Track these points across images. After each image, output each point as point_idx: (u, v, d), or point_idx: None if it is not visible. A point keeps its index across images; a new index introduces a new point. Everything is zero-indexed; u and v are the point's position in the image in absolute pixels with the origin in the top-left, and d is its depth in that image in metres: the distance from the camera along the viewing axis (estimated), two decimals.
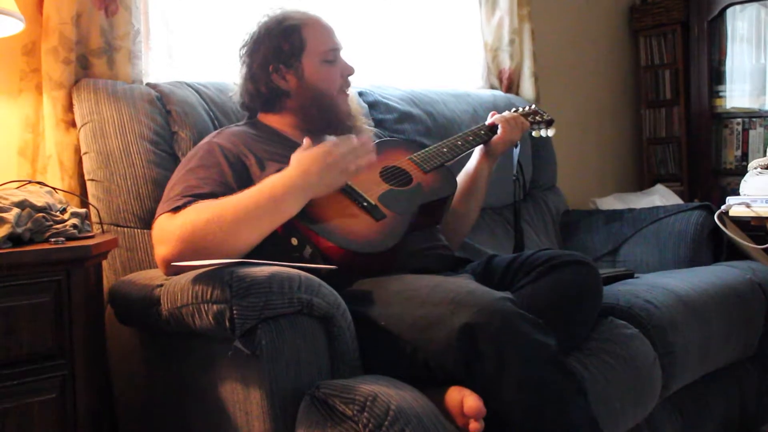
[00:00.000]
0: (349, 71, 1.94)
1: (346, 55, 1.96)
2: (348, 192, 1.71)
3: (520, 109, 2.27)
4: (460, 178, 2.12)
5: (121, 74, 2.07)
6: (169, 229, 1.56)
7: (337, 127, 1.91)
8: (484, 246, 2.52)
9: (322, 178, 1.60)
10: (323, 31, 1.92)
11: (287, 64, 1.87)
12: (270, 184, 1.57)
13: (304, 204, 1.59)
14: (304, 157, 1.62)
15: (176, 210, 1.59)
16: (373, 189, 1.76)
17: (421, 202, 1.80)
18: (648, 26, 3.89)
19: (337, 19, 2.02)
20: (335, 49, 1.92)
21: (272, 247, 1.57)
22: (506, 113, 2.17)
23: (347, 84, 1.96)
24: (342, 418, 1.26)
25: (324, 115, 1.89)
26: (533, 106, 2.32)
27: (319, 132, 1.90)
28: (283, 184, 1.57)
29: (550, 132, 2.28)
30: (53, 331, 1.45)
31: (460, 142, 2.02)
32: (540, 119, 2.26)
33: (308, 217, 1.60)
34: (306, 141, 1.68)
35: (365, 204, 1.70)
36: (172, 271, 1.53)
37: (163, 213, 1.61)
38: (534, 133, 2.28)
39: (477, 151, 2.13)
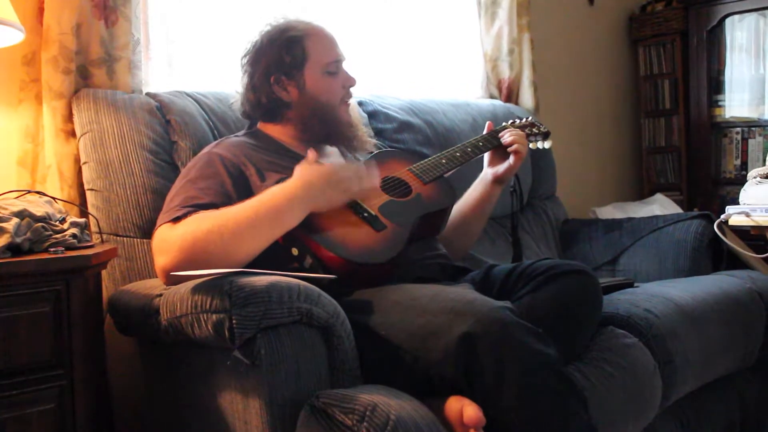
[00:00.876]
0: (351, 82, 1.94)
1: (347, 66, 1.95)
2: (349, 203, 1.71)
3: (517, 121, 2.26)
4: (469, 198, 2.11)
5: (120, 84, 2.07)
6: (169, 240, 1.56)
7: (338, 138, 1.91)
8: (484, 255, 2.52)
9: (325, 193, 1.61)
10: (326, 42, 1.92)
11: (289, 75, 1.87)
12: (271, 194, 1.58)
13: (304, 216, 1.59)
14: (308, 171, 1.63)
15: (176, 220, 1.59)
16: (374, 199, 1.76)
17: (420, 213, 1.80)
18: (647, 36, 3.90)
19: (338, 29, 2.02)
20: (337, 61, 1.92)
21: (272, 257, 1.57)
22: (508, 134, 2.08)
23: (348, 95, 1.95)
24: (341, 427, 1.25)
25: (324, 127, 1.89)
26: (530, 118, 2.32)
27: (320, 142, 1.90)
28: (285, 195, 1.57)
29: (547, 144, 2.26)
30: (52, 341, 1.45)
31: (458, 154, 2.02)
32: (537, 131, 2.25)
33: (309, 226, 1.60)
34: (310, 153, 1.69)
35: (366, 215, 1.70)
36: (173, 281, 1.52)
37: (164, 223, 1.61)
38: (531, 145, 2.26)
39: (488, 176, 2.09)
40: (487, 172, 2.09)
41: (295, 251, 1.60)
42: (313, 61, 1.88)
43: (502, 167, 2.06)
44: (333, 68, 1.90)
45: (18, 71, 2.00)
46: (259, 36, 1.90)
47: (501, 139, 2.07)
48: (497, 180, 2.07)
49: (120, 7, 2.05)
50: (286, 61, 1.86)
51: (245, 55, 1.91)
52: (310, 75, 1.87)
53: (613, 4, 3.91)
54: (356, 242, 1.64)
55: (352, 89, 1.96)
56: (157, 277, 1.62)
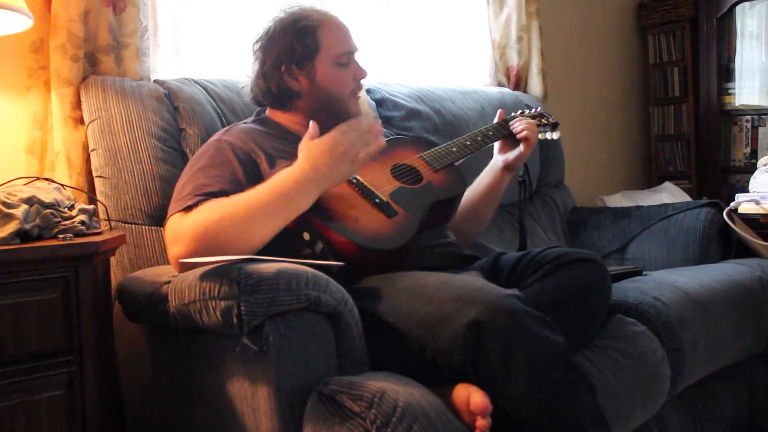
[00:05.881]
0: (362, 75, 1.92)
1: (359, 57, 1.94)
2: (360, 189, 1.71)
3: (527, 111, 2.26)
4: (479, 185, 2.11)
5: (129, 71, 2.07)
6: (181, 229, 1.56)
7: None
8: (492, 243, 2.51)
9: (333, 169, 1.58)
10: (339, 33, 1.90)
11: (299, 65, 1.85)
12: (281, 179, 1.57)
13: (316, 198, 1.58)
14: (312, 149, 1.59)
15: (188, 209, 1.59)
16: (385, 186, 1.76)
17: (432, 200, 1.80)
18: (656, 23, 3.88)
19: (346, 16, 2.00)
20: (349, 52, 1.90)
21: (284, 242, 1.57)
22: (519, 122, 2.09)
23: (359, 87, 1.94)
24: (350, 414, 1.25)
25: (332, 118, 1.87)
26: (539, 109, 2.32)
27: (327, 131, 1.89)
28: (295, 179, 1.56)
29: (555, 135, 2.27)
30: (61, 327, 1.45)
31: (469, 142, 2.02)
32: (546, 122, 2.25)
33: (321, 212, 1.60)
34: (312, 126, 1.65)
35: (377, 201, 1.70)
36: (186, 269, 1.52)
37: (175, 213, 1.61)
38: (540, 136, 2.26)
39: (498, 164, 2.10)
40: (498, 160, 2.10)
41: (306, 236, 1.60)
42: (325, 52, 1.86)
43: (512, 155, 2.06)
44: (344, 60, 1.89)
45: (26, 58, 2.00)
46: (273, 23, 1.89)
47: (512, 128, 2.08)
48: (507, 167, 2.08)
49: None
50: (298, 51, 1.85)
51: (257, 41, 1.90)
52: (321, 66, 1.86)
53: None
54: (368, 228, 1.64)
55: (362, 81, 1.95)
56: (168, 264, 1.63)
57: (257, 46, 1.89)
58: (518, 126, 2.07)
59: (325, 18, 1.89)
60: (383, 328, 1.45)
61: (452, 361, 1.36)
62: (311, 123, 1.67)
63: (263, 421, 1.35)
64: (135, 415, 1.84)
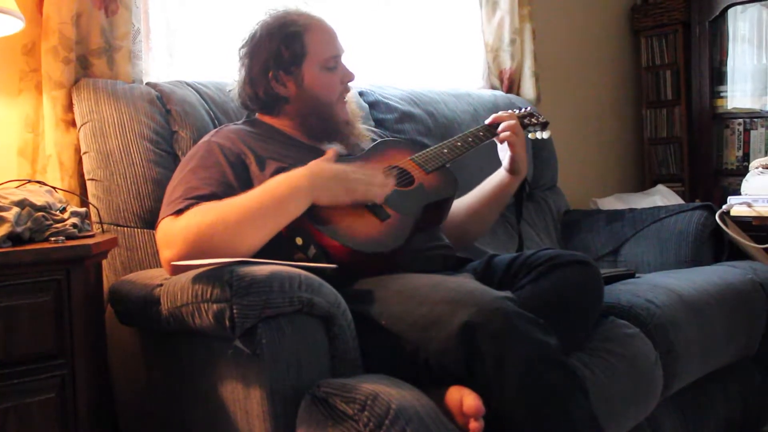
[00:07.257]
0: (349, 78, 1.92)
1: (346, 60, 1.93)
2: None
3: (517, 111, 2.26)
4: (486, 186, 2.11)
5: (121, 74, 2.07)
6: (173, 232, 1.55)
7: (335, 136, 1.89)
8: (485, 245, 2.51)
9: (329, 187, 1.60)
10: (325, 36, 1.89)
11: (287, 70, 1.85)
12: (275, 184, 1.57)
13: (307, 206, 1.58)
14: (317, 164, 1.62)
15: (179, 213, 1.58)
16: None
17: (424, 202, 1.80)
18: (649, 26, 3.89)
19: (338, 18, 2.00)
20: (336, 56, 1.90)
21: (277, 246, 1.56)
22: (505, 118, 2.10)
23: (347, 90, 1.93)
24: (343, 417, 1.25)
25: (322, 123, 1.88)
26: (529, 108, 2.32)
27: (317, 138, 1.88)
28: (288, 184, 1.56)
29: (545, 134, 2.27)
30: (53, 330, 1.45)
31: (459, 143, 2.01)
32: (536, 121, 2.25)
33: (314, 216, 1.60)
34: (330, 151, 1.71)
35: (370, 204, 1.70)
36: (178, 272, 1.52)
37: (166, 216, 1.61)
38: (530, 135, 2.27)
39: (503, 171, 2.09)
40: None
41: (299, 240, 1.59)
42: (312, 56, 1.86)
43: (505, 158, 2.06)
44: (332, 63, 1.88)
45: (18, 61, 1.99)
46: (258, 27, 1.88)
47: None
48: (507, 170, 2.07)
49: None
50: (285, 57, 1.84)
51: (243, 46, 1.89)
52: (308, 71, 1.85)
53: None
54: (361, 232, 1.63)
55: (350, 84, 1.94)
56: (160, 267, 1.62)
57: (243, 52, 1.89)
58: (500, 130, 2.07)
59: (311, 22, 1.88)
60: (376, 331, 1.45)
61: (445, 363, 1.36)
62: (330, 150, 1.73)
63: (256, 424, 1.35)
64: (127, 418, 1.84)
